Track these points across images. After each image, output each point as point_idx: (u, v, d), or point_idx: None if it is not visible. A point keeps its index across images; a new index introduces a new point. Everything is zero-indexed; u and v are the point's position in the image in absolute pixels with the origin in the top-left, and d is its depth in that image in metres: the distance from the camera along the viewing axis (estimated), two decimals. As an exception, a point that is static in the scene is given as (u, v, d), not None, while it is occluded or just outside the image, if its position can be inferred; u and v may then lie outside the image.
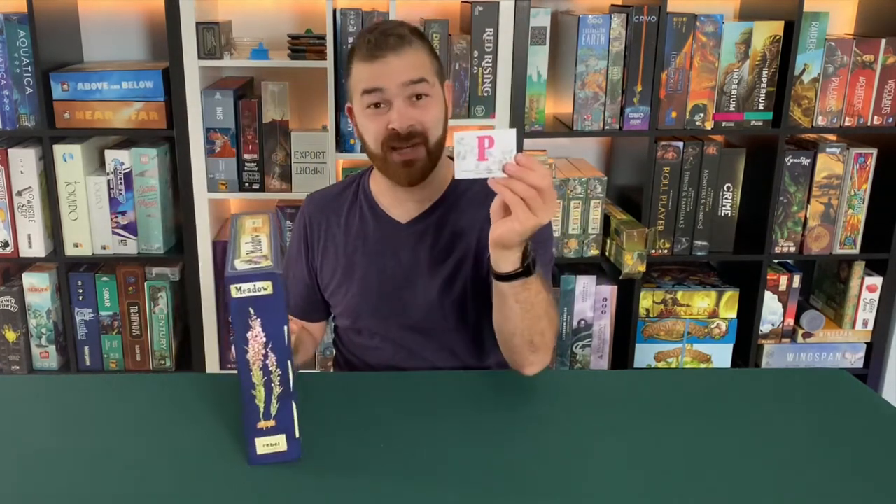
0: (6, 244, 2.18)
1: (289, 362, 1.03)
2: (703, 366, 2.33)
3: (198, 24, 2.02)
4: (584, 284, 2.28)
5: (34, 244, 2.20)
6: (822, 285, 2.47)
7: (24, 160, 2.13)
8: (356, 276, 1.45)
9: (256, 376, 1.02)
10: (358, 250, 1.45)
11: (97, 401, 1.26)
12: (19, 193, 2.16)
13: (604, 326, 2.32)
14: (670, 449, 1.12)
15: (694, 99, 2.15)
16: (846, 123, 2.20)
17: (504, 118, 2.12)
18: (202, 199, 2.16)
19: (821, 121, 2.19)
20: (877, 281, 2.32)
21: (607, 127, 2.16)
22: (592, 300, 2.29)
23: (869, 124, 2.19)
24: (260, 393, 1.03)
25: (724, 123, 2.18)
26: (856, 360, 2.38)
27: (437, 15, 2.16)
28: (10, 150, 2.13)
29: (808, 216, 2.25)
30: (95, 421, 1.19)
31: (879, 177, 2.24)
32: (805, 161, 2.21)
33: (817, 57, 2.14)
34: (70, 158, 2.14)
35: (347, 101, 1.44)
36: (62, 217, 2.18)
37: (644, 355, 2.32)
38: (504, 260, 1.20)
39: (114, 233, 2.21)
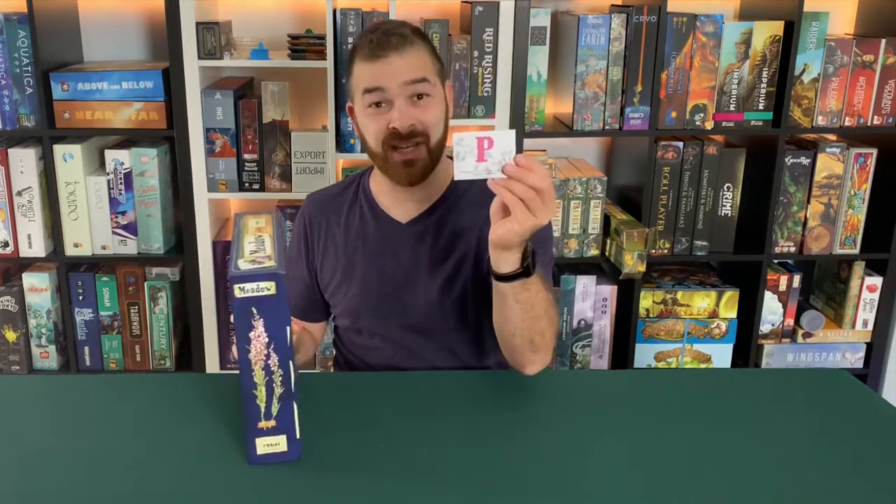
0: (6, 244, 2.19)
1: (291, 363, 1.03)
2: (703, 366, 2.33)
3: (198, 24, 2.02)
4: (584, 284, 2.28)
5: (34, 244, 2.20)
6: (822, 285, 2.47)
7: (24, 160, 2.13)
8: (356, 276, 1.45)
9: (258, 376, 1.02)
10: (358, 250, 1.45)
11: (97, 401, 1.26)
12: (19, 193, 2.16)
13: (604, 326, 2.32)
14: (670, 449, 1.12)
15: (694, 99, 2.15)
16: (846, 123, 2.20)
17: (504, 118, 2.12)
18: (202, 199, 2.16)
19: (821, 121, 2.19)
20: (877, 281, 2.32)
21: (607, 127, 2.16)
22: (592, 300, 2.29)
23: (869, 124, 2.19)
24: (261, 393, 1.03)
25: (724, 123, 2.18)
26: (856, 360, 2.38)
27: (437, 15, 2.16)
28: (10, 150, 2.13)
29: (808, 216, 2.25)
30: (95, 421, 1.19)
31: (879, 177, 2.24)
32: (805, 161, 2.21)
33: (817, 57, 2.14)
34: (70, 158, 2.14)
35: (348, 101, 1.44)
36: (62, 217, 2.18)
37: (644, 355, 2.32)
38: (504, 260, 1.20)
39: (114, 233, 2.21)
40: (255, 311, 0.99)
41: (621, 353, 2.34)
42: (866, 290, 2.32)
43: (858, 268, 2.32)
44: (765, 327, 2.33)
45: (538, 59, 2.13)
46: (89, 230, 2.20)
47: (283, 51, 2.14)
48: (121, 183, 2.17)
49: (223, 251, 2.21)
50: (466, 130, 1.17)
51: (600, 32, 2.09)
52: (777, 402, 1.26)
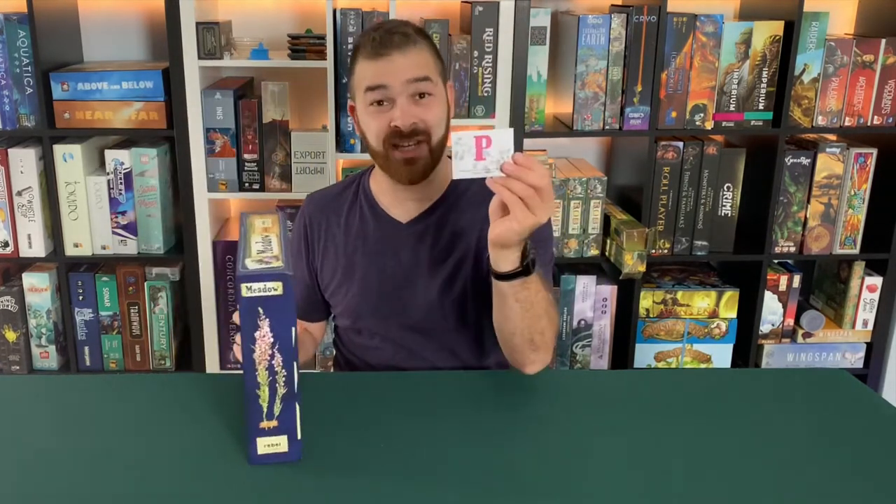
0: (6, 244, 2.19)
1: (294, 363, 1.03)
2: (703, 366, 2.33)
3: (198, 24, 2.02)
4: (584, 284, 2.28)
5: (34, 244, 2.20)
6: (822, 285, 2.47)
7: (24, 160, 2.13)
8: (356, 276, 1.45)
9: (262, 376, 1.02)
10: (358, 250, 1.45)
11: (97, 401, 1.26)
12: (19, 193, 2.16)
13: (604, 326, 2.32)
14: (670, 449, 1.12)
15: (694, 99, 2.15)
16: (846, 123, 2.20)
17: (504, 118, 2.12)
18: (202, 199, 2.16)
19: (821, 121, 2.19)
20: (877, 281, 2.32)
21: (607, 127, 2.16)
22: (592, 300, 2.29)
23: (869, 124, 2.19)
24: (264, 393, 1.03)
25: (724, 123, 2.18)
26: (856, 360, 2.38)
27: (437, 15, 2.16)
28: (10, 150, 2.13)
29: (808, 216, 2.25)
30: (95, 421, 1.19)
31: (879, 177, 2.24)
32: (805, 161, 2.21)
33: (817, 57, 2.14)
34: (70, 158, 2.14)
35: (349, 100, 1.44)
36: (62, 217, 2.18)
37: (644, 355, 2.32)
38: (503, 259, 1.20)
39: (114, 233, 2.21)
40: (261, 310, 0.99)
41: (621, 353, 2.34)
42: (866, 290, 2.32)
43: (858, 268, 2.32)
44: (765, 327, 2.33)
45: (538, 59, 2.13)
46: (89, 230, 2.20)
47: (283, 51, 2.14)
48: (121, 183, 2.17)
49: (223, 251, 2.21)
50: (466, 130, 1.17)
51: (600, 32, 2.09)
52: (777, 402, 1.26)
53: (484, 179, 1.14)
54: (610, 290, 2.30)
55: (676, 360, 2.33)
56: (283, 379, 1.03)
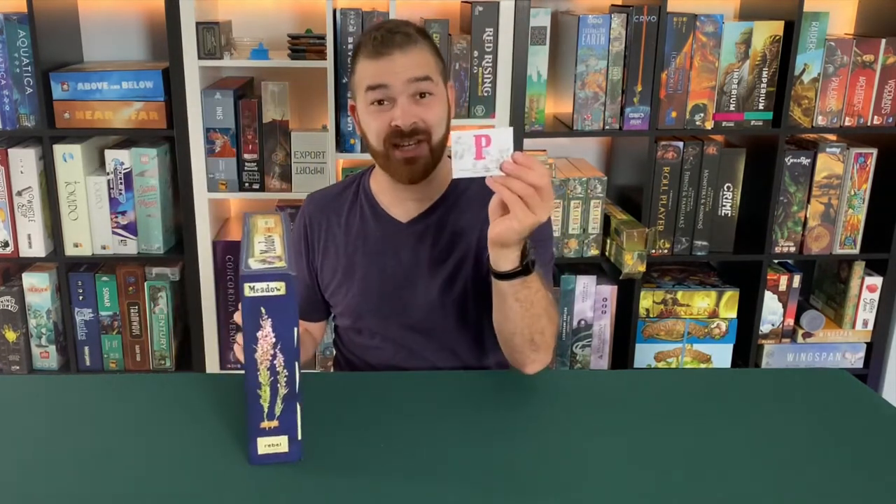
0: (6, 244, 2.19)
1: (296, 364, 1.03)
2: (703, 366, 2.33)
3: (198, 24, 2.02)
4: (584, 284, 2.28)
5: (34, 244, 2.20)
6: (822, 285, 2.47)
7: (24, 160, 2.13)
8: (357, 276, 1.45)
9: (263, 376, 1.02)
10: (358, 250, 1.45)
11: (97, 401, 1.26)
12: (19, 193, 2.16)
13: (604, 326, 2.32)
14: (670, 449, 1.12)
15: (694, 99, 2.15)
16: (846, 123, 2.20)
17: (504, 118, 2.12)
18: (202, 199, 2.16)
19: (821, 121, 2.19)
20: (877, 281, 2.32)
21: (607, 127, 2.16)
22: (592, 300, 2.29)
23: (869, 124, 2.19)
24: (265, 393, 1.03)
25: (724, 123, 2.18)
26: (856, 360, 2.38)
27: (437, 15, 2.16)
28: (10, 150, 2.13)
29: (808, 216, 2.25)
30: (95, 421, 1.19)
31: (879, 177, 2.24)
32: (805, 161, 2.21)
33: (817, 57, 2.14)
34: (70, 158, 2.14)
35: (350, 99, 1.44)
36: (62, 217, 2.18)
37: (644, 355, 2.32)
38: (503, 258, 1.20)
39: (114, 233, 2.21)
40: (263, 310, 0.99)
41: (621, 353, 2.34)
42: (866, 290, 2.32)
43: (858, 268, 2.32)
44: (765, 327, 2.33)
45: (538, 59, 2.13)
46: (89, 230, 2.20)
47: (283, 51, 2.14)
48: (121, 183, 2.17)
49: (223, 251, 2.21)
50: (466, 130, 1.17)
51: (600, 32, 2.09)
52: (777, 402, 1.26)
53: (484, 179, 1.14)
54: (610, 290, 2.30)
55: (676, 360, 2.33)
56: (285, 379, 1.03)
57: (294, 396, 1.04)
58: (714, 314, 2.31)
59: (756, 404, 1.25)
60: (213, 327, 2.25)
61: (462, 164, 1.13)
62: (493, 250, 1.21)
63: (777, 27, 2.11)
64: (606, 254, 2.24)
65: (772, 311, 2.32)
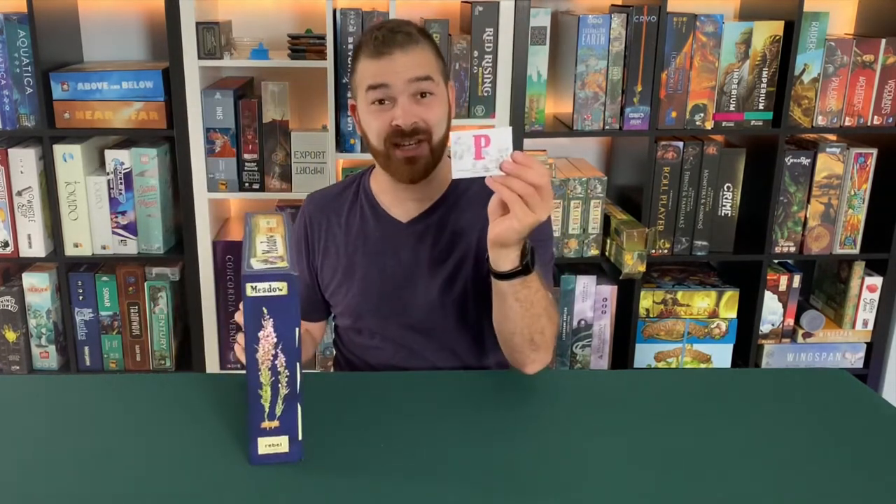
0: (6, 244, 2.18)
1: (297, 364, 1.03)
2: (703, 366, 2.33)
3: (198, 24, 2.02)
4: (584, 284, 2.28)
5: (34, 244, 2.20)
6: (822, 285, 2.47)
7: (24, 160, 2.13)
8: (357, 276, 1.45)
9: (264, 376, 1.02)
10: (358, 250, 1.45)
11: (97, 401, 1.26)
12: (19, 193, 2.16)
13: (604, 326, 2.32)
14: (670, 449, 1.12)
15: (694, 99, 2.15)
16: (846, 123, 2.20)
17: (504, 118, 2.12)
18: (202, 199, 2.16)
19: (821, 121, 2.19)
20: (877, 281, 2.32)
21: (607, 127, 2.16)
22: (592, 300, 2.29)
23: (869, 124, 2.19)
24: (266, 393, 1.03)
25: (724, 123, 2.18)
26: (856, 360, 2.38)
27: (437, 15, 2.16)
28: (10, 150, 2.13)
29: (808, 216, 2.25)
30: (95, 421, 1.19)
31: (879, 177, 2.24)
32: (805, 161, 2.21)
33: (817, 57, 2.14)
34: (70, 158, 2.14)
35: (350, 99, 1.44)
36: (62, 217, 2.18)
37: (644, 355, 2.32)
38: (503, 258, 1.20)
39: (114, 233, 2.21)
40: (265, 310, 0.99)
41: (621, 353, 2.34)
42: (866, 290, 2.32)
43: (858, 268, 2.32)
44: (765, 327, 2.33)
45: (538, 59, 2.13)
46: (89, 230, 2.20)
47: (283, 51, 2.14)
48: (121, 183, 2.17)
49: (223, 251, 2.21)
50: (465, 130, 1.17)
51: (600, 32, 2.09)
52: (777, 402, 1.26)
53: (484, 179, 1.14)
54: (610, 290, 2.30)
55: (676, 360, 2.33)
56: (286, 379, 1.03)
57: (295, 397, 1.04)
58: (714, 314, 2.31)
59: (756, 404, 1.25)
60: (213, 327, 2.25)
61: (461, 165, 1.13)
62: (492, 250, 1.21)
63: (777, 27, 2.11)
64: (606, 254, 2.24)
65: (772, 311, 2.32)
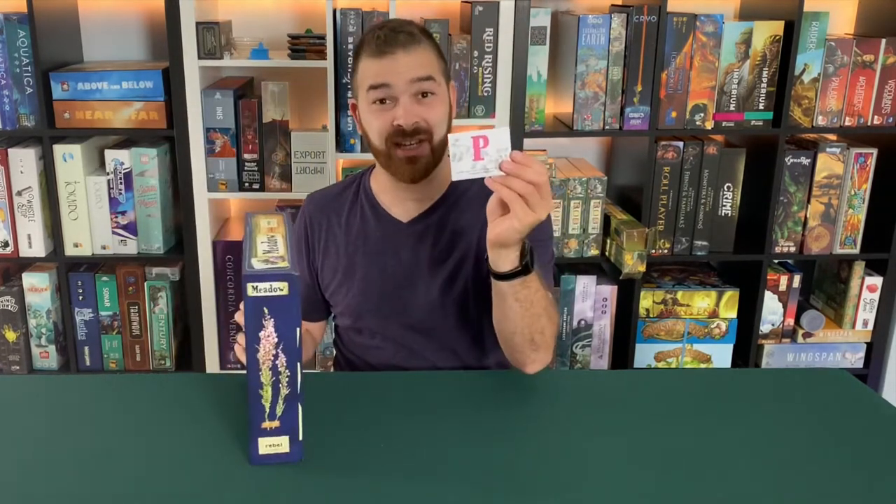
0: (6, 244, 2.18)
1: (298, 364, 1.03)
2: (703, 366, 2.33)
3: (198, 24, 2.02)
4: (584, 284, 2.28)
5: (34, 244, 2.20)
6: (822, 285, 2.47)
7: (24, 160, 2.13)
8: (357, 276, 1.45)
9: (265, 376, 1.02)
10: (359, 250, 1.45)
11: (97, 401, 1.26)
12: (19, 193, 2.16)
13: (604, 326, 2.32)
14: (670, 449, 1.12)
15: (694, 99, 2.15)
16: (846, 123, 2.20)
17: (504, 118, 2.12)
18: (202, 199, 2.16)
19: (821, 121, 2.19)
20: (877, 281, 2.32)
21: (607, 127, 2.16)
22: (592, 300, 2.29)
23: (869, 124, 2.19)
24: (267, 393, 1.03)
25: (724, 123, 2.18)
26: (856, 360, 2.38)
27: (437, 15, 2.16)
28: (10, 150, 2.12)
29: (808, 216, 2.25)
30: (95, 421, 1.19)
31: (879, 177, 2.24)
32: (805, 161, 2.21)
33: (817, 57, 2.14)
34: (70, 158, 2.14)
35: (351, 98, 1.44)
36: (62, 217, 2.18)
37: (644, 355, 2.32)
38: (503, 259, 1.20)
39: (114, 233, 2.21)
40: (266, 310, 0.99)
41: (621, 353, 2.34)
42: (866, 290, 2.32)
43: (858, 268, 2.32)
44: (765, 327, 2.33)
45: (538, 59, 2.13)
46: (89, 230, 2.20)
47: (283, 51, 2.14)
48: (121, 183, 2.17)
49: (223, 251, 2.21)
50: (466, 130, 1.17)
51: (600, 32, 2.09)
52: (777, 402, 1.26)
53: (483, 179, 1.14)
54: (610, 290, 2.30)
55: (676, 360, 2.33)
56: (287, 380, 1.03)
57: (296, 397, 1.04)
58: (714, 314, 2.31)
59: (756, 404, 1.25)
60: (213, 327, 2.25)
61: (461, 167, 1.13)
62: (492, 251, 1.21)
63: (777, 27, 2.11)
64: (606, 254, 2.24)
65: (772, 311, 2.32)
